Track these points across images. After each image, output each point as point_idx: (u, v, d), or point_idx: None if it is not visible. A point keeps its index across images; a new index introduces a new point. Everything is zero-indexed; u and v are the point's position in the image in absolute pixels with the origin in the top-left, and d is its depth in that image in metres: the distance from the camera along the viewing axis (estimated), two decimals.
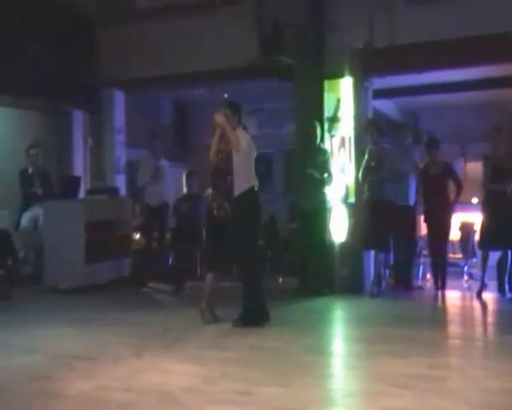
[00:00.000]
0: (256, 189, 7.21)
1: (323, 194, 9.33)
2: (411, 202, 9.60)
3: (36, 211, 10.13)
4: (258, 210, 7.29)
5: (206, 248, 8.19)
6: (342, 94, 9.62)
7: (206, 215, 7.76)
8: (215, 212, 7.37)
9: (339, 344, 6.91)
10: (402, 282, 9.68)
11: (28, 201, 10.30)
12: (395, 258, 9.84)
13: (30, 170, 10.40)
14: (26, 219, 10.16)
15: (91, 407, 4.45)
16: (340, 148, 9.66)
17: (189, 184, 10.62)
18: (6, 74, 9.89)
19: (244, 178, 7.17)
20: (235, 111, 7.35)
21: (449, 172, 9.64)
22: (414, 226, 9.72)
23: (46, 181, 10.56)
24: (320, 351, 6.21)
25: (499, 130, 9.09)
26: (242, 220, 7.14)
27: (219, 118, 7.20)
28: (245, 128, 7.49)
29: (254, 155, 7.34)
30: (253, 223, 7.27)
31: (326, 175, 9.26)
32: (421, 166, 9.79)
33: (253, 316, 7.15)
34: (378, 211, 9.18)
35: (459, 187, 9.56)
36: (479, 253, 9.50)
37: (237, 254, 7.23)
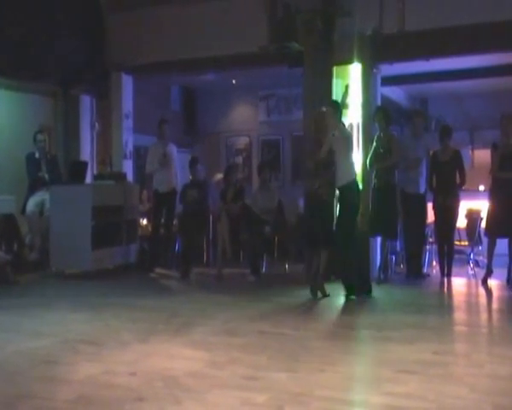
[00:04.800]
0: (355, 180, 8.09)
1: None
2: (422, 189, 9.60)
3: (42, 196, 10.13)
4: (358, 199, 8.05)
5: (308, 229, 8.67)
6: (351, 80, 9.58)
7: (309, 199, 8.53)
8: (324, 197, 8.10)
9: (345, 330, 6.89)
10: (413, 270, 9.67)
11: (35, 186, 10.30)
12: (406, 246, 9.85)
13: (37, 155, 10.41)
14: (32, 204, 10.15)
15: (97, 391, 4.45)
16: None
17: (192, 172, 10.58)
18: (13, 58, 9.90)
19: (344, 171, 7.94)
20: (336, 110, 8.13)
21: (457, 161, 9.61)
22: (424, 214, 9.72)
23: (53, 166, 10.57)
24: (327, 337, 6.23)
25: (510, 119, 9.06)
26: (344, 207, 8.02)
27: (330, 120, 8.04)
28: (344, 125, 8.27)
29: (352, 148, 8.32)
30: (352, 210, 8.01)
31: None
32: (431, 152, 9.79)
33: (351, 288, 7.95)
34: (385, 198, 9.18)
35: (462, 180, 9.56)
36: (485, 240, 9.49)
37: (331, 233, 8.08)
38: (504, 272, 9.01)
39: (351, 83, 9.59)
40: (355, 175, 8.14)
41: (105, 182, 10.52)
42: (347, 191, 7.94)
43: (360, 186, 9.43)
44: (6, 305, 7.54)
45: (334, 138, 7.94)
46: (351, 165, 8.10)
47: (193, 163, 10.61)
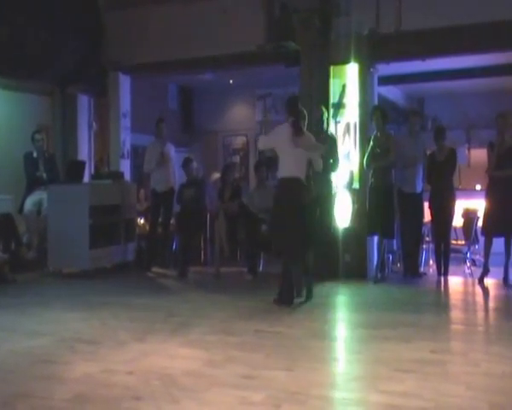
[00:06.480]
0: (283, 179, 7.52)
1: (329, 180, 9.27)
2: (419, 189, 9.61)
3: (40, 195, 10.14)
4: (282, 199, 7.53)
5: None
6: (348, 80, 9.60)
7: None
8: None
9: (342, 329, 6.93)
10: (410, 269, 9.68)
11: (33, 185, 10.31)
12: (402, 245, 9.87)
13: (35, 154, 10.42)
14: (29, 204, 10.17)
15: (95, 389, 4.46)
16: (345, 134, 9.64)
17: (187, 172, 10.57)
18: (11, 57, 9.89)
19: (279, 170, 7.59)
20: (287, 105, 8.00)
21: (451, 158, 9.62)
22: (421, 213, 9.73)
23: (51, 165, 10.59)
24: (324, 335, 6.23)
25: (505, 117, 9.06)
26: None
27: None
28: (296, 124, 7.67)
29: (284, 147, 7.54)
30: (277, 210, 7.57)
31: (331, 161, 9.21)
32: (428, 152, 9.82)
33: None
34: (382, 197, 9.20)
35: (451, 171, 9.61)
36: (481, 239, 9.51)
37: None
38: (501, 271, 9.01)
39: (348, 82, 9.60)
40: (282, 174, 7.54)
41: (102, 181, 10.53)
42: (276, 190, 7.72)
43: (358, 185, 9.55)
44: (3, 304, 7.54)
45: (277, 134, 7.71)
46: (281, 164, 7.57)
47: (186, 164, 10.58)
